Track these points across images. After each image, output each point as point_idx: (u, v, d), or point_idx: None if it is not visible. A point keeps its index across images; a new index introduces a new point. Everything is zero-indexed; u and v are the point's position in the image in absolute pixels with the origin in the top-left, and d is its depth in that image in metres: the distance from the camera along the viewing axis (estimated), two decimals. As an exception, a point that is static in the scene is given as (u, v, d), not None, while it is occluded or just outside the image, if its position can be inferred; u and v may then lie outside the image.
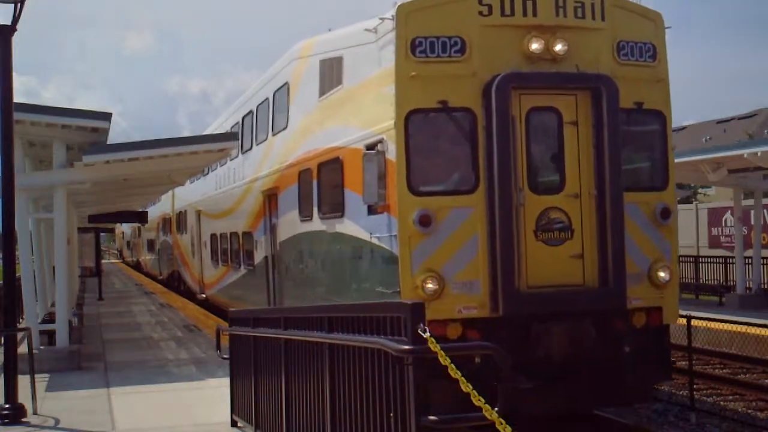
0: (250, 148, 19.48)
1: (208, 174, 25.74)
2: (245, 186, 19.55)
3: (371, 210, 10.98)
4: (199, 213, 27.62)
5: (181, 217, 33.08)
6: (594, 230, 10.53)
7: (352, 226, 11.77)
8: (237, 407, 10.32)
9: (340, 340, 6.58)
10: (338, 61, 12.79)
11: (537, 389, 9.72)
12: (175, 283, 36.48)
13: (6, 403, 10.95)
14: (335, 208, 12.61)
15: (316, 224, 13.51)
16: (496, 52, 10.43)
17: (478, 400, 5.03)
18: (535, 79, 10.49)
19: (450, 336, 9.81)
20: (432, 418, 5.30)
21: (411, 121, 10.33)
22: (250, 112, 19.85)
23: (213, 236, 24.62)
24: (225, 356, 11.04)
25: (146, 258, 54.09)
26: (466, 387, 5.11)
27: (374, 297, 10.47)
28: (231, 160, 21.55)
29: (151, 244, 49.36)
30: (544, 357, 10.11)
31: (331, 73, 13.14)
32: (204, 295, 27.00)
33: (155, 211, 42.32)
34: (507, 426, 4.86)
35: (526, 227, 10.38)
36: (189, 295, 31.04)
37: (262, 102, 18.61)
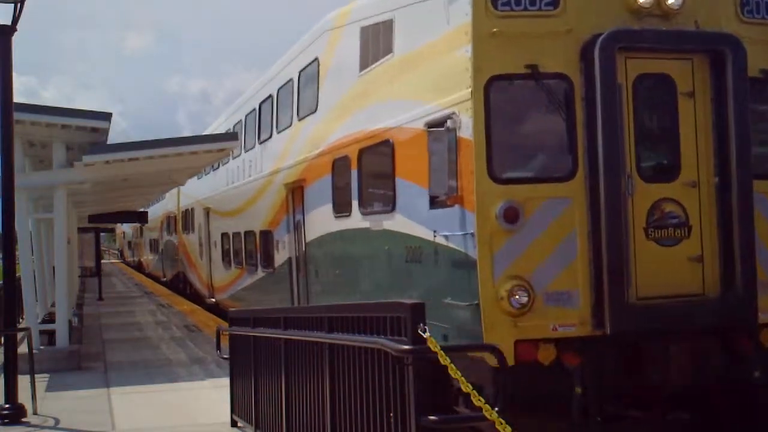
0: (269, 138, 17.41)
1: (218, 168, 23.73)
2: (264, 179, 17.53)
3: (435, 203, 9.11)
4: (208, 211, 25.69)
5: (187, 215, 31.13)
6: (714, 227, 8.63)
7: (406, 222, 10.00)
8: (237, 407, 10.32)
9: (340, 340, 6.58)
10: (387, 25, 10.92)
11: (649, 423, 8.36)
12: (180, 285, 34.66)
13: (6, 403, 10.95)
14: (383, 201, 10.96)
15: (356, 221, 11.70)
16: (597, 5, 8.59)
17: (478, 400, 5.03)
18: (647, 38, 8.52)
19: (542, 360, 8.03)
20: (432, 418, 5.30)
21: (492, 90, 8.35)
22: (269, 97, 17.66)
23: (224, 236, 22.51)
24: (225, 356, 11.04)
25: (148, 259, 52.12)
26: (465, 387, 5.11)
27: (440, 310, 8.60)
28: (246, 151, 19.64)
29: (153, 244, 47.26)
30: (658, 384, 8.39)
31: (376, 41, 11.31)
32: (213, 300, 25.00)
33: (158, 210, 41.06)
34: (507, 426, 4.86)
35: (634, 223, 8.49)
36: (196, 298, 29.22)
37: (284, 84, 16.47)
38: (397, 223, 10.29)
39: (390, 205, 10.48)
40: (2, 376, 11.42)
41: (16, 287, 13.47)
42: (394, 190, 10.35)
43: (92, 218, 31.68)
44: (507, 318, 7.96)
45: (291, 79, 15.90)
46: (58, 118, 14.51)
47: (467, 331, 8.29)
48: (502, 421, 4.92)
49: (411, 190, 9.84)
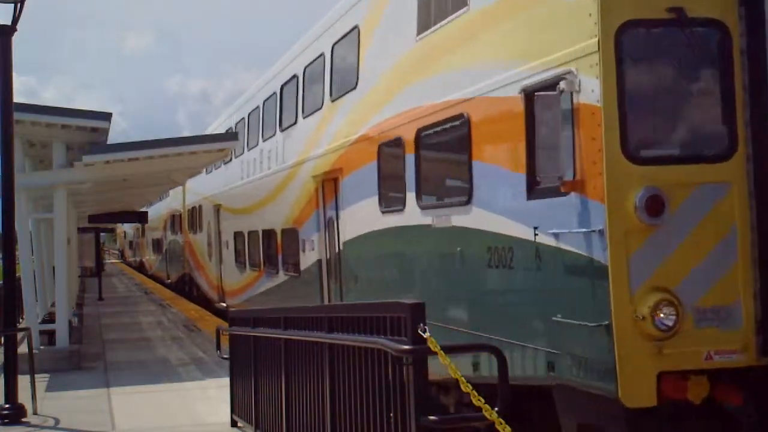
0: (294, 124, 15.34)
1: (230, 161, 21.62)
2: (287, 172, 15.61)
3: (537, 191, 7.18)
4: (218, 208, 23.84)
5: (194, 213, 29.10)
6: None
7: (489, 217, 8.00)
8: (237, 407, 10.32)
9: (340, 340, 6.58)
10: None
11: None
12: (186, 287, 32.51)
13: (6, 403, 10.95)
14: (452, 192, 9.07)
15: (413, 216, 9.66)
16: None
17: (477, 400, 5.03)
18: None
19: (692, 398, 6.30)
20: (432, 418, 5.29)
21: (626, 40, 6.41)
22: (294, 77, 15.49)
23: (238, 235, 20.65)
24: (225, 356, 11.04)
25: (151, 259, 50.10)
26: (465, 387, 5.11)
27: (544, 330, 7.10)
28: (265, 140, 17.72)
29: (157, 245, 45.13)
30: None
31: None
32: (224, 305, 22.65)
33: (162, 208, 39.63)
34: (507, 426, 4.86)
35: None
36: (203, 302, 27.34)
37: (314, 60, 14.17)
38: (474, 218, 8.29)
39: (464, 196, 8.48)
40: (2, 376, 11.42)
41: (16, 287, 13.48)
42: (469, 177, 8.33)
43: (92, 218, 31.68)
44: (649, 344, 6.18)
45: (322, 54, 13.63)
46: (58, 118, 14.52)
47: (591, 360, 6.48)
48: (502, 421, 4.91)
49: (496, 175, 7.86)
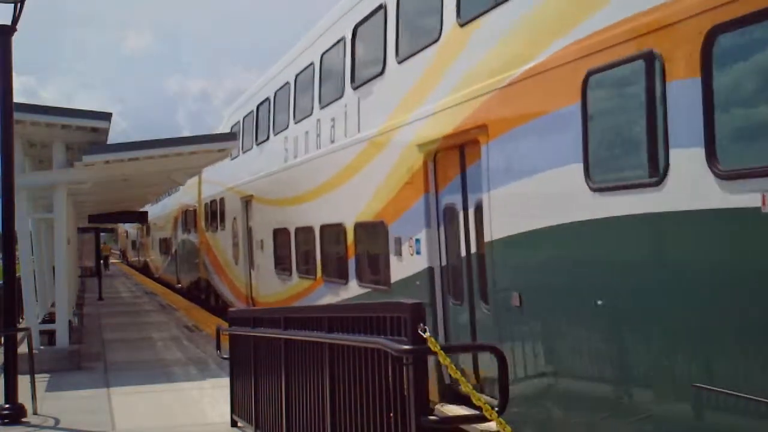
0: (379, 74, 11.00)
1: (266, 140, 17.77)
2: (364, 145, 11.59)
3: None
4: (248, 200, 19.58)
5: (213, 207, 25.03)
6: None
7: None
8: (237, 407, 10.32)
9: (340, 340, 6.58)
10: None
11: None
12: (201, 295, 27.88)
13: (6, 403, 10.95)
14: None
15: (691, 195, 5.48)
16: None
17: (477, 400, 5.03)
18: None
19: None
20: (432, 418, 5.30)
21: None
22: (380, 7, 11.06)
23: (279, 233, 16.57)
24: (225, 356, 11.04)
25: (158, 261, 44.93)
26: (465, 387, 5.11)
27: None
28: (323, 107, 13.50)
29: (165, 245, 40.35)
30: None
31: None
32: None
33: (171, 203, 36.09)
34: (507, 426, 4.85)
35: None
36: (223, 313, 20.23)
37: None
38: None
39: None
40: (2, 376, 11.42)
41: (16, 287, 13.48)
42: None
43: (92, 218, 31.68)
44: None
45: None
46: (58, 118, 14.50)
47: None
48: (502, 421, 4.91)
49: None
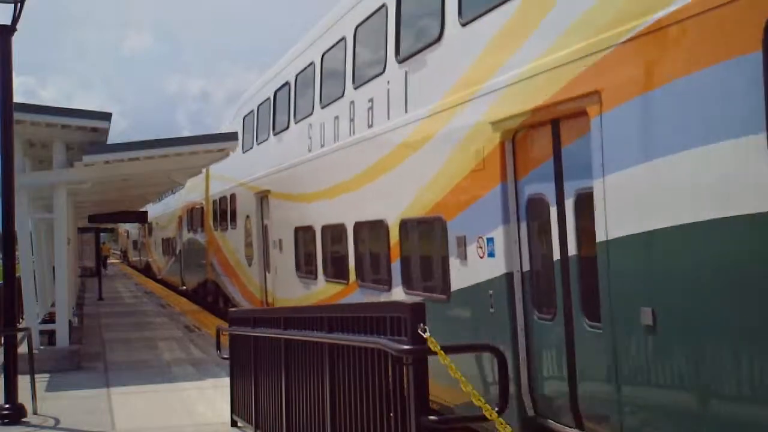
0: (437, 42, 9.18)
1: (285, 130, 15.84)
2: (413, 127, 9.76)
3: None
4: (264, 196, 17.77)
5: (222, 205, 23.30)
6: None
7: None
8: (237, 407, 10.32)
9: (340, 340, 6.58)
10: None
11: None
12: (209, 298, 26.32)
13: (6, 403, 10.96)
14: None
15: None
16: None
17: (478, 400, 5.03)
18: None
19: None
20: (432, 418, 5.30)
21: None
22: None
23: (301, 231, 14.79)
24: (225, 356, 11.04)
25: (160, 262, 43.36)
26: (466, 387, 5.11)
27: None
28: (357, 87, 11.66)
29: (168, 245, 38.89)
30: None
31: None
32: None
33: (174, 202, 35.11)
34: (507, 426, 4.85)
35: None
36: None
37: None
38: None
39: None
40: (2, 376, 11.42)
41: (16, 287, 13.48)
42: None
43: (92, 218, 31.69)
44: None
45: None
46: (58, 118, 14.51)
47: None
48: (502, 421, 4.91)
49: None
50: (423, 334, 5.28)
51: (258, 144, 18.33)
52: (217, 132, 19.95)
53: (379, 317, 5.90)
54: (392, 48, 10.41)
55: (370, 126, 11.28)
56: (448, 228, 8.88)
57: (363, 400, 6.08)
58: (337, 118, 12.59)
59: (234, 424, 10.35)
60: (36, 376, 11.65)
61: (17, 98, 11.62)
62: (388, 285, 10.59)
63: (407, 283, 10.15)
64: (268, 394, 8.92)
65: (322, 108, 13.35)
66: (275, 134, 16.73)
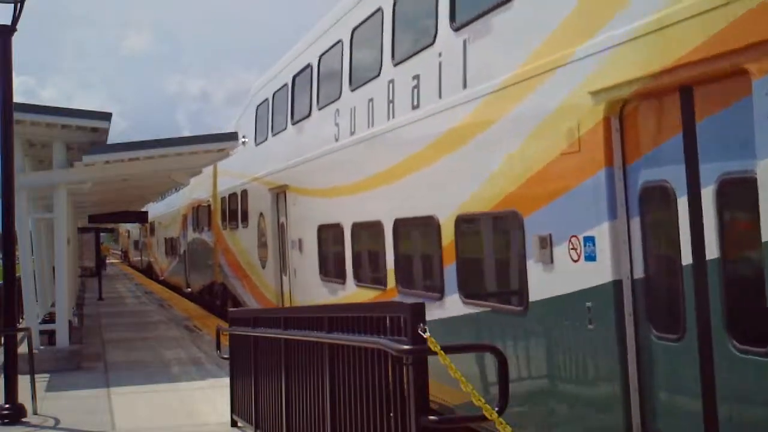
0: (508, 1, 7.77)
1: (307, 117, 14.15)
2: (475, 104, 8.25)
3: None
4: (281, 191, 16.27)
5: (232, 202, 21.76)
6: None
7: None
8: (237, 407, 10.32)
9: (340, 340, 6.58)
10: None
11: None
12: (216, 301, 24.87)
13: (6, 403, 10.95)
14: None
15: None
16: None
17: (478, 400, 5.03)
18: None
19: None
20: (432, 418, 5.29)
21: None
22: None
23: (326, 230, 13.27)
24: (225, 356, 11.04)
25: (163, 262, 42.15)
26: (466, 387, 5.10)
27: None
28: (397, 64, 10.20)
29: (171, 245, 37.60)
30: None
31: None
32: None
33: (178, 200, 33.89)
34: (507, 426, 4.85)
35: None
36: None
37: None
38: None
39: None
40: (2, 376, 11.42)
41: (16, 287, 13.48)
42: None
43: (92, 218, 31.70)
44: None
45: None
46: (58, 118, 14.52)
47: None
48: (502, 421, 4.91)
49: None
50: (423, 334, 5.28)
51: (274, 135, 16.72)
52: (224, 130, 19.52)
53: (379, 317, 5.90)
54: (445, 12, 8.82)
55: (415, 107, 9.66)
56: (525, 225, 7.29)
57: (363, 400, 6.08)
58: (371, 100, 11.07)
59: (234, 424, 10.34)
60: (36, 376, 11.65)
61: (17, 98, 11.62)
62: (440, 293, 8.97)
63: (465, 291, 8.53)
64: (268, 394, 8.91)
65: (353, 91, 11.83)
66: (294, 123, 15.08)
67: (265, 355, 9.04)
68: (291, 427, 8.04)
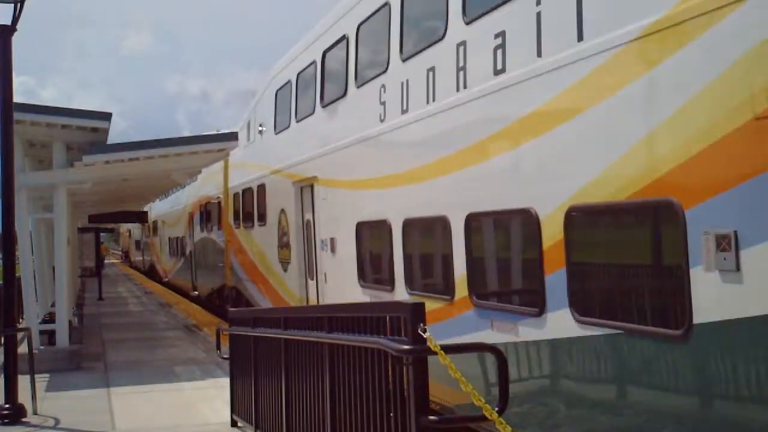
0: None
1: (341, 98, 12.15)
2: (600, 60, 6.22)
3: None
4: (307, 185, 14.15)
5: (246, 198, 19.67)
6: None
7: None
8: (237, 407, 10.32)
9: (340, 340, 6.58)
10: None
11: None
12: (227, 306, 21.09)
13: (6, 403, 10.96)
14: None
15: None
16: None
17: (478, 400, 5.03)
18: None
19: None
20: (432, 418, 5.29)
21: None
22: None
23: (367, 228, 11.43)
24: (225, 356, 11.04)
25: (167, 264, 40.35)
26: (466, 387, 5.10)
27: None
28: (470, 23, 8.20)
29: (176, 245, 35.40)
30: None
31: None
32: None
33: (184, 198, 32.18)
34: (507, 426, 4.85)
35: None
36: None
37: None
38: None
39: None
40: (2, 376, 11.42)
41: (16, 287, 13.48)
42: None
43: (92, 218, 31.71)
44: None
45: None
46: (58, 118, 14.52)
47: None
48: (502, 421, 4.91)
49: None
50: (423, 334, 5.28)
51: (298, 121, 14.56)
52: (224, 130, 19.47)
53: (379, 317, 5.90)
54: None
55: (499, 72, 7.63)
56: (688, 219, 5.40)
57: (363, 400, 6.08)
58: (431, 70, 9.06)
59: (234, 424, 10.35)
60: (36, 376, 11.65)
61: (17, 98, 11.63)
62: (539, 307, 7.04)
63: (580, 306, 6.57)
64: (268, 394, 8.92)
65: (404, 61, 9.82)
66: (324, 106, 12.99)
67: (265, 355, 9.04)
68: (291, 427, 8.04)
